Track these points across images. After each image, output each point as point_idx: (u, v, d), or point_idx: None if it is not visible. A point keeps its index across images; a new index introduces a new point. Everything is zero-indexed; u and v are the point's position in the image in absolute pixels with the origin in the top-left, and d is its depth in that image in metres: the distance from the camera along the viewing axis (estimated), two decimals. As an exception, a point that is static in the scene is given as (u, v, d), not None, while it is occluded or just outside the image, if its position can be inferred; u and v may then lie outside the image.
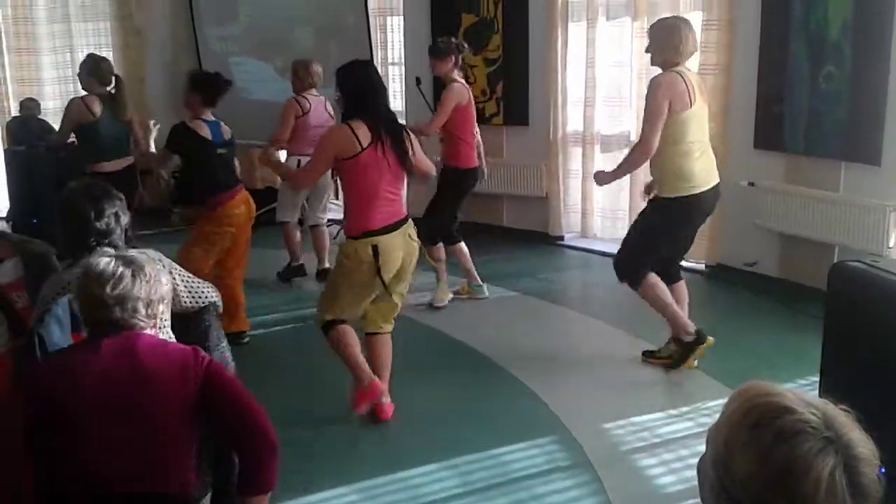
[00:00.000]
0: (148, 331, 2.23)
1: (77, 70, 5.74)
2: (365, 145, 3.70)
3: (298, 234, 6.35)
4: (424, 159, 4.02)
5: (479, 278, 5.73)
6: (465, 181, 5.52)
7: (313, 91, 6.10)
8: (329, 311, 3.94)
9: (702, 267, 6.21)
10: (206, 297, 3.07)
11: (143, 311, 2.19)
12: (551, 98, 6.93)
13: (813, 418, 1.14)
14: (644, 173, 6.47)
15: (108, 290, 2.15)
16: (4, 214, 7.77)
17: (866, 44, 4.99)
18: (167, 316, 2.85)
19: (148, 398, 2.14)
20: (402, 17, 7.81)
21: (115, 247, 2.85)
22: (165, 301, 2.31)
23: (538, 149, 7.12)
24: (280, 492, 3.28)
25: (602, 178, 4.55)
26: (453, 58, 5.40)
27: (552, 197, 7.15)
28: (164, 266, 2.94)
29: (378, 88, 3.90)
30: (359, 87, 3.83)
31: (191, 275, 3.09)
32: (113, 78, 5.58)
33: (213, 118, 4.99)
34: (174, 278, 2.96)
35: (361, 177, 3.74)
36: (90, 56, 5.83)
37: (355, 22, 7.43)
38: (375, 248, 3.73)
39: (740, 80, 5.79)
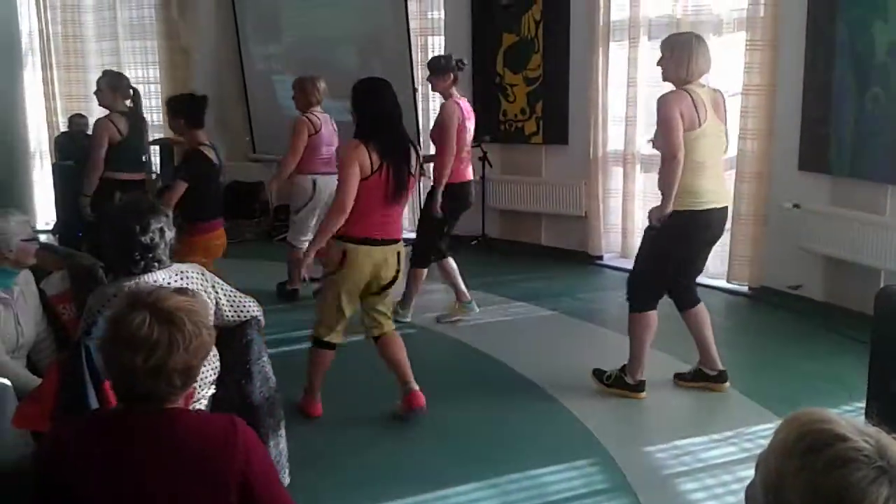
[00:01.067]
0: (180, 401, 1.91)
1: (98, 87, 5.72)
2: (374, 169, 3.80)
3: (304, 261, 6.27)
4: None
5: (467, 294, 5.66)
6: (460, 196, 5.50)
7: (318, 108, 6.05)
8: (330, 325, 4.07)
9: (745, 289, 6.14)
10: (249, 312, 3.09)
11: (178, 381, 1.84)
12: (591, 117, 6.92)
13: (866, 447, 1.12)
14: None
15: (139, 360, 1.79)
16: (52, 227, 7.92)
17: (914, 65, 4.92)
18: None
19: (181, 491, 1.84)
20: (443, 37, 7.86)
21: (160, 261, 2.88)
22: (207, 358, 1.98)
23: (578, 168, 7.10)
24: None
25: (654, 214, 4.22)
26: (451, 75, 5.40)
27: (591, 216, 7.13)
28: (207, 280, 2.98)
29: (394, 114, 3.96)
30: (377, 111, 3.90)
31: (233, 289, 3.11)
32: (131, 91, 5.70)
33: (209, 143, 5.03)
34: (217, 292, 2.99)
35: (362, 197, 3.83)
36: (109, 72, 5.93)
37: (397, 41, 7.50)
38: (344, 253, 3.92)
39: (785, 101, 5.73)
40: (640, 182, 6.90)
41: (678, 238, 4.16)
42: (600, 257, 7.20)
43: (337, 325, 4.06)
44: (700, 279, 4.65)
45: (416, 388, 4.09)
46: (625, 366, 4.38)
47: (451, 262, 5.60)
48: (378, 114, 3.90)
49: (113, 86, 5.64)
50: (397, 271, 4.07)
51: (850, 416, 1.19)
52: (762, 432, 3.89)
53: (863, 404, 3.61)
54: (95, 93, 5.76)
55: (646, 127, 6.78)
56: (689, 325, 4.45)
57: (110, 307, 2.72)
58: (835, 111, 5.39)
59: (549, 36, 7.13)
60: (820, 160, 5.55)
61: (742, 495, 1.29)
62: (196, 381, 1.92)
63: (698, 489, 3.49)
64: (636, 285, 4.37)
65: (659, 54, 4.25)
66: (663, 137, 4.04)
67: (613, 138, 6.97)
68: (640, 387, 4.34)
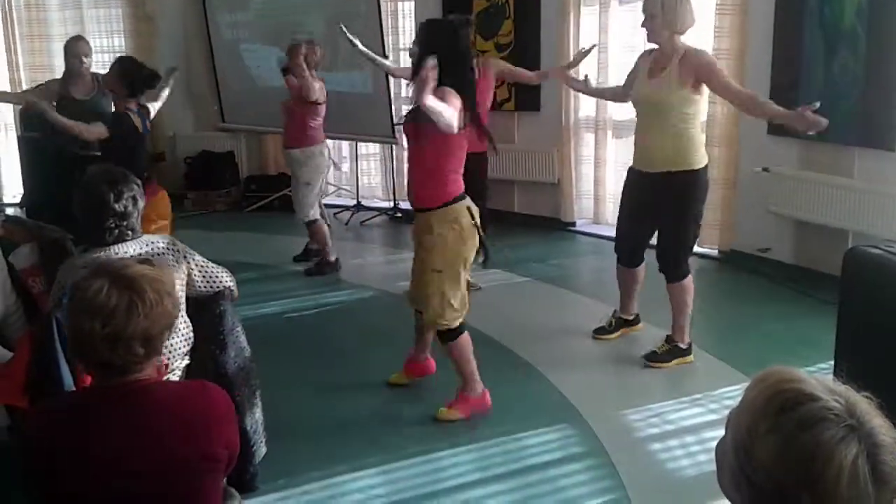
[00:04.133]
0: (148, 370, 1.86)
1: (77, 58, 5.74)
2: (467, 120, 3.60)
3: (327, 229, 6.19)
4: None
5: None
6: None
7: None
8: (457, 305, 3.69)
9: (715, 253, 6.20)
10: (222, 282, 3.08)
11: (139, 349, 1.79)
12: (563, 84, 6.89)
13: (836, 406, 1.14)
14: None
15: (96, 326, 1.75)
16: (18, 201, 7.81)
17: (881, 30, 4.95)
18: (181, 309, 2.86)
19: (161, 463, 1.82)
20: (413, 3, 7.79)
21: (133, 230, 2.87)
22: (172, 328, 1.93)
23: (550, 135, 7.10)
24: (296, 476, 3.33)
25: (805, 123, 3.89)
26: None
27: (564, 183, 7.14)
28: (178, 251, 2.96)
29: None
30: (462, 53, 3.66)
31: (206, 259, 3.09)
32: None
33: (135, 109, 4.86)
34: (188, 262, 2.97)
35: (457, 149, 3.64)
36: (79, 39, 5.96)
37: (367, 8, 7.41)
38: (470, 210, 3.65)
39: (754, 66, 5.75)
40: (612, 148, 6.91)
41: (705, 193, 4.29)
42: (573, 223, 7.23)
43: (466, 301, 3.76)
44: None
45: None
46: (670, 335, 4.39)
47: None
48: (465, 55, 3.70)
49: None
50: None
51: (821, 376, 1.21)
52: (731, 393, 3.95)
53: (831, 364, 3.68)
54: (83, 62, 5.74)
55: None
56: (636, 280, 4.63)
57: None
58: (804, 75, 5.42)
59: (521, 1, 7.09)
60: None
61: (714, 454, 1.31)
62: (161, 352, 1.89)
63: (670, 449, 3.56)
64: (684, 253, 4.31)
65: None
66: (730, 82, 4.11)
67: (585, 105, 6.96)
68: (690, 349, 4.39)
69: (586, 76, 4.93)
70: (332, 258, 6.17)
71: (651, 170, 4.21)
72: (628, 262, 4.55)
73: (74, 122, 4.58)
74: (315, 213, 6.10)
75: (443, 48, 3.48)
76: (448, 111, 3.41)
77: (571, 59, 4.08)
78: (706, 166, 4.23)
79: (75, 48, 5.77)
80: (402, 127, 3.77)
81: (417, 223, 3.78)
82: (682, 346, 4.37)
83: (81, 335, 1.77)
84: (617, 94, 4.80)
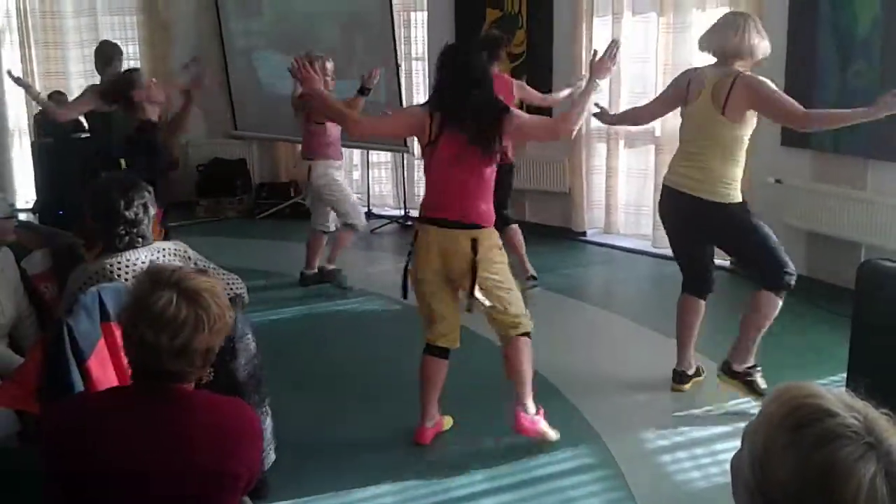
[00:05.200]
0: (193, 380, 1.90)
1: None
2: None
3: (323, 245, 6.14)
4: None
5: None
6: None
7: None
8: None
9: (727, 264, 6.16)
10: (232, 289, 3.09)
11: (199, 361, 1.84)
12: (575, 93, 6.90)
13: (854, 423, 1.12)
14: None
15: (164, 339, 1.78)
16: (31, 206, 7.85)
17: (896, 40, 4.93)
18: None
19: (192, 473, 1.83)
20: (426, 13, 7.81)
21: (144, 237, 2.87)
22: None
23: (562, 144, 7.04)
24: (304, 484, 3.32)
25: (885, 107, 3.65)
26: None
27: (575, 192, 7.13)
28: (189, 258, 2.97)
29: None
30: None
31: (216, 266, 3.10)
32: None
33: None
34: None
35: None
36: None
37: (380, 17, 7.44)
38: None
39: (767, 75, 5.64)
40: (623, 158, 6.91)
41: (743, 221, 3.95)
42: (584, 233, 7.21)
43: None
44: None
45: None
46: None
47: None
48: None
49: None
50: None
51: (836, 390, 1.19)
52: (743, 406, 3.92)
53: (843, 376, 3.65)
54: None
55: (630, 103, 6.78)
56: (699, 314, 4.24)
57: (92, 285, 2.71)
58: (817, 86, 5.40)
59: (534, 11, 7.10)
60: (802, 136, 5.53)
61: (726, 467, 1.30)
62: (213, 362, 1.92)
63: (681, 462, 3.53)
64: (779, 253, 3.96)
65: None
66: (787, 102, 3.77)
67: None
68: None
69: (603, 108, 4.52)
70: (313, 272, 6.09)
71: (688, 191, 3.92)
72: (703, 291, 4.17)
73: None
74: (331, 225, 6.03)
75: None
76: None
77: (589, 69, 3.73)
78: (740, 203, 3.92)
79: (111, 49, 5.98)
80: (440, 137, 3.58)
81: (471, 241, 3.50)
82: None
83: (146, 346, 1.79)
84: (638, 116, 4.46)
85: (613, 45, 3.45)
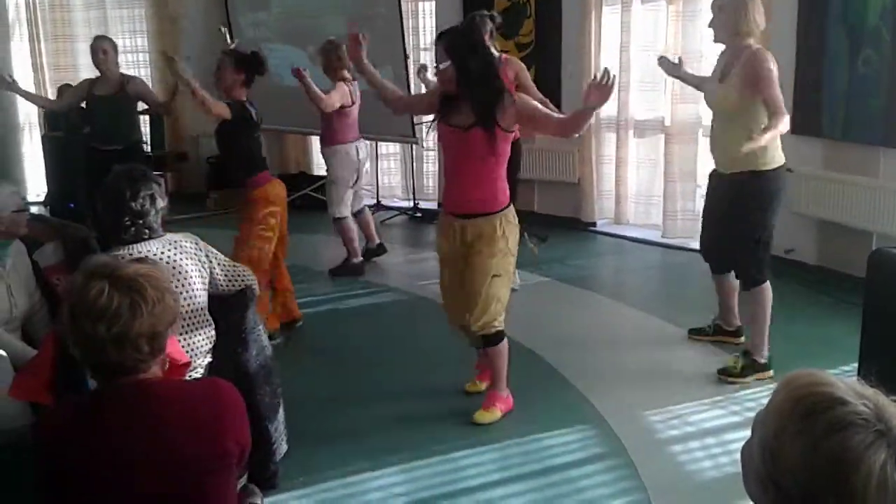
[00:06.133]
0: (154, 368, 1.86)
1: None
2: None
3: (355, 228, 6.13)
4: None
5: None
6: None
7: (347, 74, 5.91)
8: (502, 310, 3.70)
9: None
10: (244, 281, 3.09)
11: (145, 348, 1.80)
12: (584, 83, 6.83)
13: (865, 410, 1.12)
14: (680, 159, 6.44)
15: (101, 329, 1.75)
16: (42, 199, 7.89)
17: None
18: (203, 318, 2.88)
19: (168, 464, 1.82)
20: (433, 3, 7.79)
21: (151, 229, 2.88)
22: (175, 323, 1.91)
23: (571, 134, 7.06)
24: (316, 474, 3.34)
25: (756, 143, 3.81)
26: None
27: (585, 183, 7.12)
28: (199, 249, 2.97)
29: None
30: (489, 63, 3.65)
31: (227, 258, 3.11)
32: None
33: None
34: (211, 261, 2.99)
35: (508, 149, 3.65)
36: (106, 37, 6.23)
37: (387, 8, 7.42)
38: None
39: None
40: (633, 148, 6.88)
41: (771, 199, 4.03)
42: (594, 224, 7.19)
43: (504, 300, 3.72)
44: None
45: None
46: (747, 351, 4.19)
47: None
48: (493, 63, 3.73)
49: (115, 48, 5.96)
50: None
51: (850, 379, 1.19)
52: (754, 395, 3.92)
53: (855, 366, 3.65)
54: (101, 58, 5.83)
55: (639, 92, 6.77)
56: (726, 288, 4.46)
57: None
58: (827, 75, 5.37)
59: (542, 1, 7.07)
60: (813, 124, 5.53)
61: (737, 456, 1.30)
62: (165, 349, 1.87)
63: (692, 452, 3.53)
64: (754, 259, 4.10)
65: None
66: (775, 89, 3.88)
67: (607, 104, 6.88)
68: (770, 363, 4.15)
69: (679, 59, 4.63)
70: (357, 260, 6.13)
71: (723, 170, 4.09)
72: (714, 267, 4.39)
73: (201, 91, 4.63)
74: (344, 210, 6.01)
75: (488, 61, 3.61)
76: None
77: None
78: (777, 169, 3.99)
79: (94, 43, 5.99)
80: (438, 128, 3.70)
81: (470, 230, 3.63)
82: (761, 360, 4.13)
83: (86, 338, 1.77)
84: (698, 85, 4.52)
85: (606, 73, 3.50)
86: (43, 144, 7.96)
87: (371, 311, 5.48)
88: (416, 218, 7.83)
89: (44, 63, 8.73)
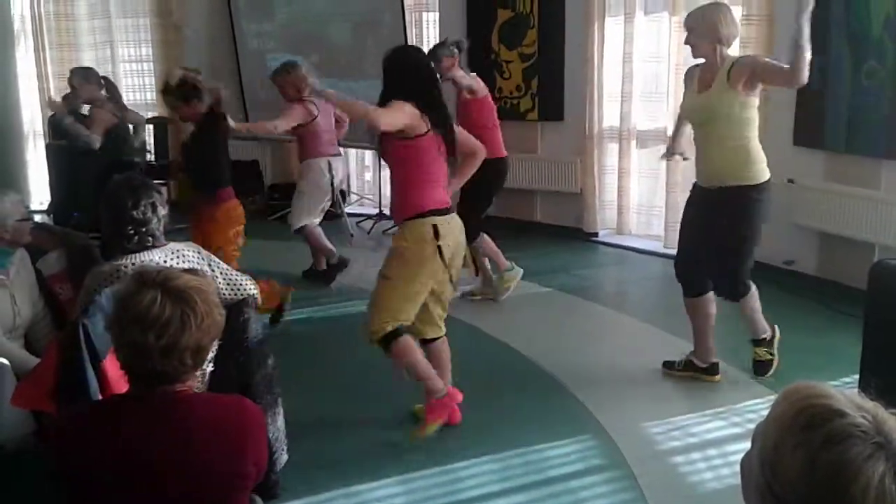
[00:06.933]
0: (190, 381, 1.88)
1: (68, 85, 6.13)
2: (428, 128, 3.61)
3: (320, 229, 6.15)
4: (468, 139, 3.94)
5: (506, 261, 5.64)
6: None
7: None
8: (387, 318, 3.60)
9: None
10: (246, 290, 3.10)
11: (189, 361, 1.82)
12: (587, 93, 6.90)
13: (864, 422, 1.13)
14: (682, 170, 6.45)
15: (150, 338, 1.77)
16: (46, 208, 7.90)
17: (910, 39, 4.91)
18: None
19: (195, 475, 1.82)
20: (437, 13, 7.83)
21: (154, 237, 2.89)
22: (218, 338, 1.94)
23: (573, 144, 7.09)
24: (316, 484, 3.33)
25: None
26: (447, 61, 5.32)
27: (587, 193, 7.13)
28: (202, 258, 2.98)
29: (435, 77, 3.85)
30: (418, 72, 3.73)
31: (229, 267, 3.12)
32: (102, 81, 6.07)
33: None
34: (213, 270, 3.00)
35: (421, 158, 3.64)
36: (76, 69, 6.29)
37: (391, 17, 7.46)
38: (435, 228, 3.59)
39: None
40: (635, 158, 6.90)
41: (761, 212, 4.03)
42: (596, 234, 7.21)
43: (392, 310, 3.62)
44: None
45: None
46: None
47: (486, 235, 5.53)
48: (421, 74, 3.76)
49: (86, 78, 5.93)
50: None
51: (849, 391, 1.19)
52: (755, 407, 3.92)
53: (856, 378, 3.64)
54: (69, 94, 5.93)
55: (641, 103, 6.78)
56: (700, 314, 4.28)
57: (107, 286, 2.73)
58: (830, 86, 5.38)
59: (545, 11, 7.10)
60: (815, 135, 5.55)
61: (737, 468, 1.30)
62: (206, 362, 1.91)
63: (693, 463, 3.53)
64: (745, 267, 4.11)
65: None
66: (769, 62, 3.96)
67: (609, 114, 6.96)
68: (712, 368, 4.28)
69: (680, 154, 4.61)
70: (336, 260, 6.12)
71: (707, 185, 4.03)
72: (689, 288, 4.23)
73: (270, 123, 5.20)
74: (304, 219, 6.04)
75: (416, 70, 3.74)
76: (359, 109, 3.69)
77: None
78: (765, 183, 3.98)
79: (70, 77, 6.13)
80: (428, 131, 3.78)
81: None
82: (766, 336, 4.28)
83: (135, 346, 1.78)
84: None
85: None
86: (47, 153, 7.98)
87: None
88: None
89: (49, 72, 8.77)
